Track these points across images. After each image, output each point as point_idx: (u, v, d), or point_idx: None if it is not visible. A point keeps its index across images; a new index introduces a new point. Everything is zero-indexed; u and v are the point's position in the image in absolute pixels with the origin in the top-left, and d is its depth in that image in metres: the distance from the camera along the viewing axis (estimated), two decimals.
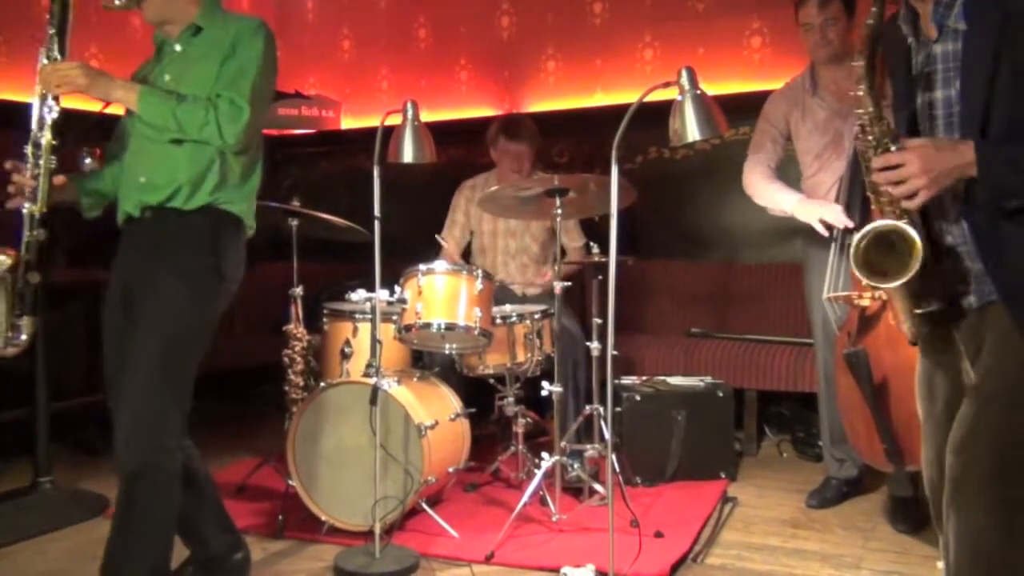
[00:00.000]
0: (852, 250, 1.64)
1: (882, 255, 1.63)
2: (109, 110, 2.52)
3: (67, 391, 3.75)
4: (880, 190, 1.64)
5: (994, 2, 1.56)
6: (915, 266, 1.57)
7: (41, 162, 2.20)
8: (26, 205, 2.21)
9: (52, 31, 2.21)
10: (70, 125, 2.27)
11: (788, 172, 3.33)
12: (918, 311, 1.68)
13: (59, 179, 2.26)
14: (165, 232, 2.28)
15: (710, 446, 3.58)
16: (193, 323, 2.26)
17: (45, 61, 2.21)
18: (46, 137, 2.19)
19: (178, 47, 2.34)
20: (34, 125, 2.21)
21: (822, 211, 3.02)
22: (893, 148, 1.62)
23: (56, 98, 2.22)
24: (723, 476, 3.56)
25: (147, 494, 2.20)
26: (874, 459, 2.77)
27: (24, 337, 2.23)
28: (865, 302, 2.67)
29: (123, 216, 2.36)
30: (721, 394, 3.61)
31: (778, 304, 4.31)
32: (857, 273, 1.66)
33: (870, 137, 1.66)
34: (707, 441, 3.58)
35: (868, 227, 1.64)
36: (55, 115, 2.20)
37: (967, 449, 1.61)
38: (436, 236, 3.94)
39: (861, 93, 1.67)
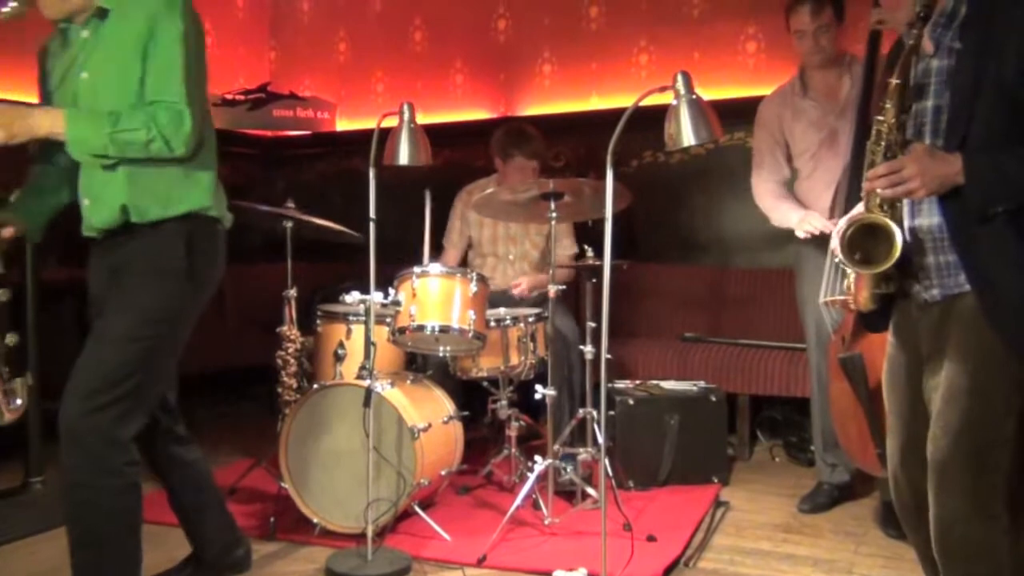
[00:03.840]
0: (839, 235, 1.83)
1: (863, 241, 1.81)
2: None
3: (58, 391, 3.72)
4: (880, 192, 1.79)
5: (983, 23, 1.73)
6: (890, 260, 1.76)
7: None
8: None
9: None
10: None
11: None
12: (876, 291, 1.87)
13: (7, 232, 2.14)
14: (130, 244, 2.16)
15: (703, 450, 3.59)
16: (158, 318, 2.11)
17: None
18: None
19: (84, 33, 2.12)
20: None
21: (814, 222, 3.06)
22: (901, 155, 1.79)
23: None
24: (715, 480, 3.57)
25: (97, 515, 2.05)
26: (867, 464, 2.77)
27: (20, 401, 2.16)
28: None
29: (87, 230, 2.23)
30: (714, 398, 3.62)
31: (771, 309, 4.32)
32: (839, 253, 1.82)
33: (883, 143, 1.83)
34: (700, 445, 3.58)
35: (859, 217, 1.82)
36: None
37: (943, 439, 1.76)
38: (443, 242, 3.99)
39: (888, 106, 1.82)
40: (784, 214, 3.25)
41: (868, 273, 1.82)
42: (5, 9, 2.01)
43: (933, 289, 1.81)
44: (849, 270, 1.88)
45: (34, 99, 2.29)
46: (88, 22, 2.12)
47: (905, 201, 1.80)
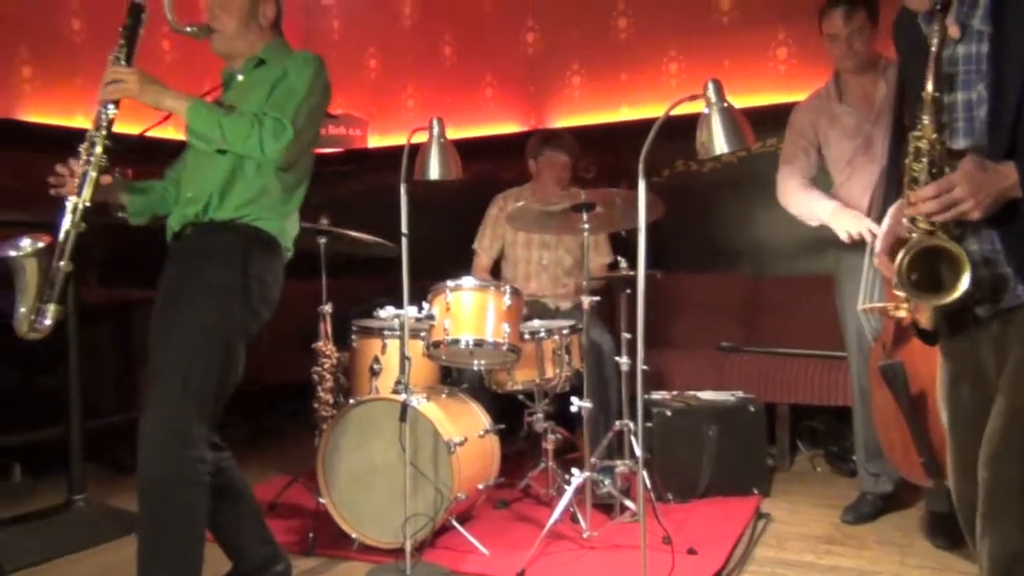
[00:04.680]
0: (896, 265, 1.62)
1: (917, 262, 1.62)
2: (150, 133, 2.60)
3: (100, 409, 3.78)
4: (924, 212, 1.61)
5: None
6: (959, 290, 1.57)
7: (92, 157, 2.24)
8: (70, 197, 2.24)
9: (122, 40, 2.28)
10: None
11: (818, 184, 3.30)
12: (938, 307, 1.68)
13: (106, 178, 2.29)
14: (198, 247, 2.34)
15: (742, 461, 3.54)
16: (215, 336, 2.26)
17: (110, 68, 2.27)
18: (101, 136, 2.24)
19: (240, 77, 2.45)
20: (91, 126, 2.27)
21: (857, 224, 3.01)
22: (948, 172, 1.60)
23: (116, 101, 2.27)
24: (756, 492, 3.52)
25: (168, 506, 2.18)
26: (911, 473, 2.72)
27: (48, 322, 2.22)
28: (901, 313, 2.60)
29: (169, 233, 2.42)
30: (752, 408, 3.58)
31: (809, 316, 4.26)
32: (895, 281, 1.64)
33: (923, 159, 1.63)
34: (739, 456, 3.54)
35: (912, 244, 1.62)
36: (111, 115, 2.25)
37: (998, 463, 1.60)
38: (475, 246, 4.02)
39: (926, 121, 1.62)
40: (810, 203, 3.19)
41: (934, 304, 1.64)
42: (187, 28, 2.35)
43: (988, 303, 1.67)
44: (924, 303, 1.69)
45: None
46: (244, 67, 2.43)
47: None
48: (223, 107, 2.34)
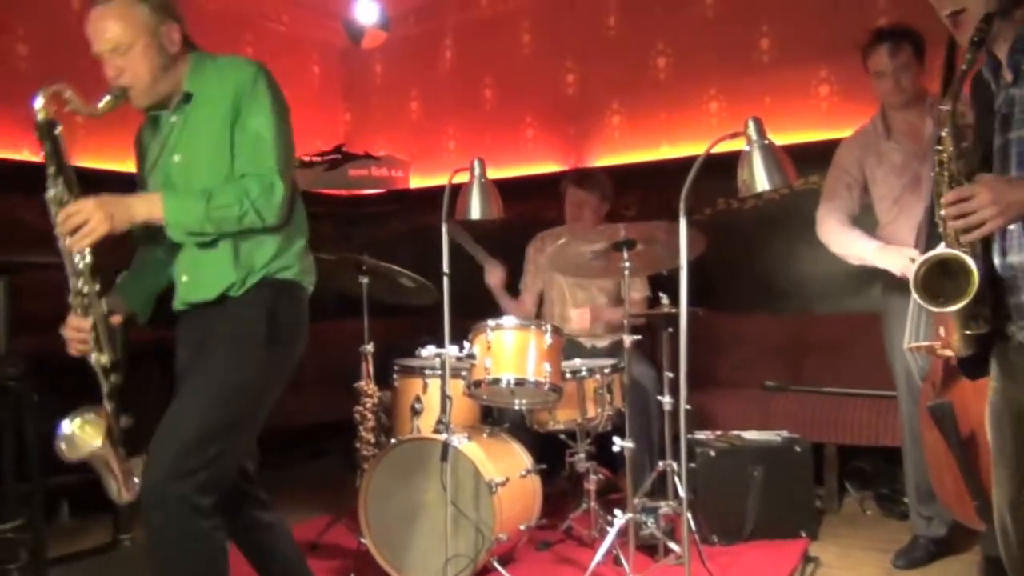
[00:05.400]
0: (912, 274, 1.73)
1: (941, 280, 1.71)
2: (90, 165, 2.33)
3: (145, 449, 3.81)
4: (950, 223, 1.70)
5: None
6: (969, 295, 1.65)
7: (92, 312, 2.07)
8: (92, 355, 2.09)
9: (51, 170, 2.01)
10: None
11: (863, 222, 3.27)
12: (967, 332, 1.76)
13: (116, 319, 2.15)
14: (219, 315, 2.16)
15: (789, 503, 3.47)
16: (241, 385, 2.09)
17: (55, 209, 2.01)
18: (88, 286, 2.05)
19: (174, 118, 2.18)
20: (69, 272, 2.05)
21: (899, 260, 2.97)
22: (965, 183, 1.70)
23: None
24: (803, 535, 3.44)
25: (183, 560, 2.00)
26: (965, 517, 2.64)
27: (138, 480, 2.11)
28: (948, 352, 2.57)
29: (175, 310, 2.27)
30: (799, 449, 3.51)
31: (856, 355, 4.19)
32: (915, 295, 1.73)
33: (946, 174, 1.74)
34: (786, 498, 3.46)
35: (930, 254, 1.72)
36: (88, 261, 2.03)
37: None
38: (520, 286, 4.05)
39: (944, 134, 1.74)
40: (851, 243, 3.16)
41: (948, 311, 1.72)
42: (100, 105, 2.07)
43: None
44: (932, 309, 1.76)
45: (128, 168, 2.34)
46: (177, 107, 2.18)
47: (996, 236, 1.70)
48: (194, 194, 2.05)
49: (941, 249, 1.72)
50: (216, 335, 2.14)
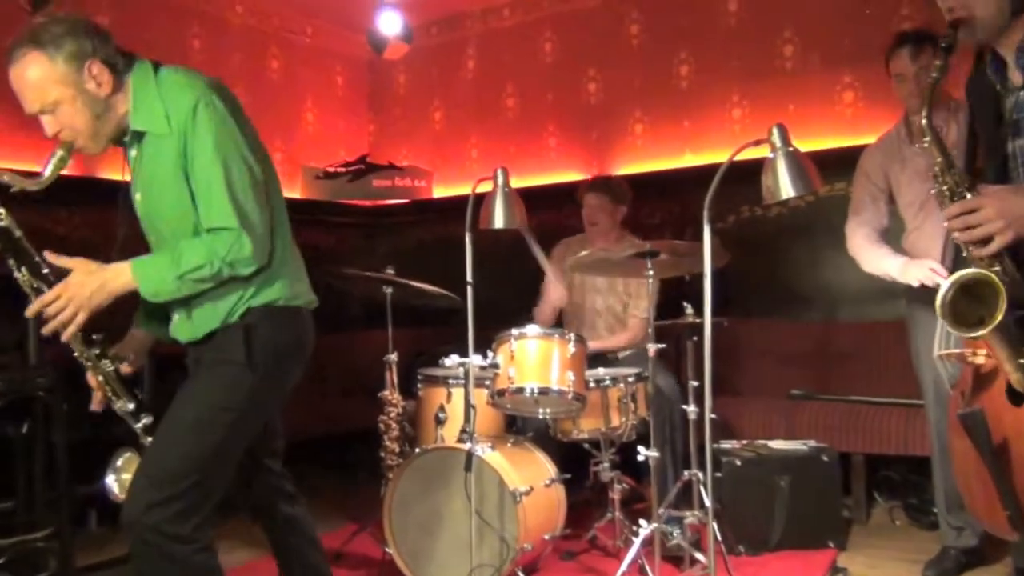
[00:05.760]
0: (938, 301, 1.64)
1: (974, 304, 1.62)
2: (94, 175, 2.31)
3: None
4: (955, 236, 1.64)
5: None
6: (998, 316, 1.58)
7: (98, 370, 2.11)
8: (116, 405, 2.13)
9: (17, 268, 1.99)
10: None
11: (891, 230, 3.24)
12: (1022, 360, 1.67)
13: (126, 368, 2.16)
14: (205, 344, 2.13)
15: (816, 513, 3.43)
16: (221, 407, 2.03)
17: (32, 296, 2.00)
18: (84, 353, 2.08)
19: (133, 152, 2.10)
20: (75, 350, 2.08)
21: (923, 271, 2.94)
22: (968, 196, 1.63)
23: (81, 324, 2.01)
24: (831, 545, 3.40)
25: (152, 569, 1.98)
26: (996, 527, 2.59)
27: None
28: (979, 359, 2.53)
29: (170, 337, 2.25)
30: (826, 458, 3.47)
31: (883, 363, 4.15)
32: (945, 322, 1.65)
33: (944, 187, 1.67)
34: (813, 508, 3.43)
35: (952, 278, 1.64)
36: (98, 343, 2.09)
37: None
38: (542, 289, 4.05)
39: (926, 144, 1.68)
40: (879, 260, 3.14)
41: (984, 334, 1.63)
42: (46, 173, 2.02)
43: None
44: (969, 335, 1.68)
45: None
46: (131, 142, 2.09)
47: None
48: (162, 258, 2.00)
49: (962, 271, 1.63)
50: (201, 362, 2.13)
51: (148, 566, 1.99)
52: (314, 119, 5.89)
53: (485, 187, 2.89)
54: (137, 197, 2.11)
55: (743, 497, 3.44)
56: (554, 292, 4.03)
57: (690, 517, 3.16)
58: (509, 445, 3.25)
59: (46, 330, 1.99)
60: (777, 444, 3.66)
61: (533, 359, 3.12)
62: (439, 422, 3.25)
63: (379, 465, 3.45)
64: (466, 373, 2.93)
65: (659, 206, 5.03)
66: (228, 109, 2.02)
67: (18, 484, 3.04)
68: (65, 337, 1.99)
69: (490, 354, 3.17)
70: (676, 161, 5.05)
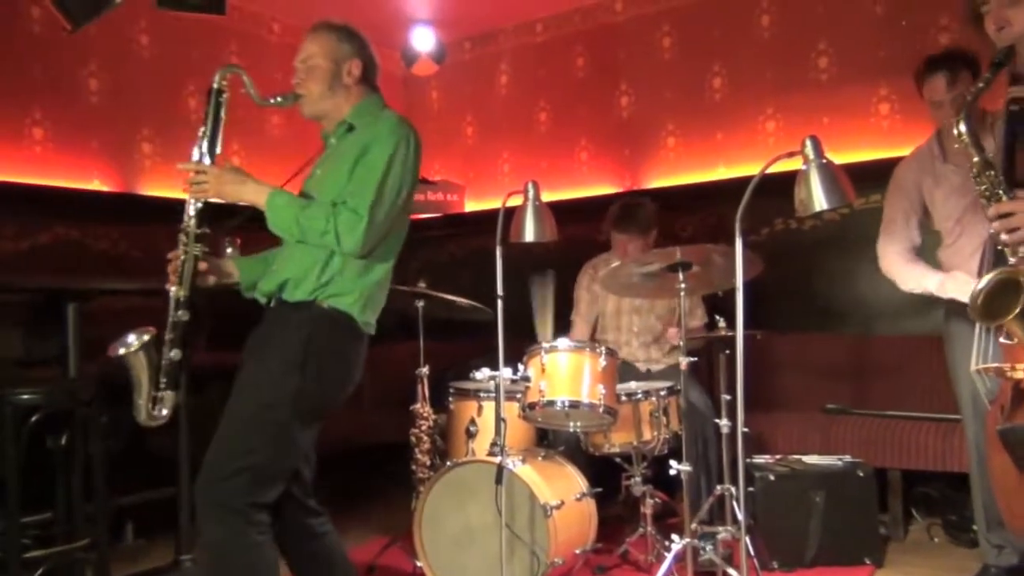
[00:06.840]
0: (970, 301, 1.72)
1: (1004, 300, 1.71)
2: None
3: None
4: (1001, 237, 1.69)
5: None
6: (1015, 308, 1.66)
7: (187, 248, 2.30)
8: (172, 288, 2.30)
9: (203, 130, 2.32)
10: (216, 214, 2.37)
11: (926, 240, 3.20)
12: None
13: (202, 265, 2.32)
14: (272, 323, 2.35)
15: (852, 529, 3.39)
16: (270, 403, 2.22)
17: (192, 165, 2.31)
18: (191, 226, 2.30)
19: (333, 141, 2.47)
20: (184, 215, 2.32)
21: (968, 287, 2.89)
22: (1005, 197, 1.70)
23: None
24: (868, 562, 3.35)
25: (230, 570, 2.23)
26: None
27: (165, 412, 2.30)
28: (1019, 374, 2.49)
29: (254, 295, 2.46)
30: (862, 473, 3.43)
31: (920, 377, 4.08)
32: (970, 310, 1.72)
33: (982, 187, 1.75)
34: (849, 524, 3.38)
35: (984, 279, 1.72)
36: (199, 205, 2.31)
37: None
38: (572, 317, 4.04)
39: (964, 142, 1.78)
40: (918, 277, 3.09)
41: (994, 324, 1.73)
42: (271, 100, 2.39)
43: None
44: (994, 324, 1.76)
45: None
46: (336, 131, 2.45)
47: None
48: (299, 198, 2.34)
49: (1005, 272, 1.69)
50: (258, 349, 2.33)
51: (213, 539, 2.22)
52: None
53: (516, 201, 2.90)
54: (317, 173, 2.45)
55: (777, 512, 3.40)
56: (577, 332, 4.05)
57: (723, 532, 3.13)
58: (540, 459, 3.24)
59: (188, 180, 2.30)
60: (812, 459, 3.61)
61: (564, 372, 3.12)
62: (470, 435, 3.26)
63: (410, 478, 3.46)
64: (497, 386, 2.93)
65: (692, 219, 5.01)
66: (416, 151, 2.39)
67: (57, 495, 3.09)
68: (190, 193, 2.30)
69: (521, 367, 3.17)
70: (710, 174, 5.03)
